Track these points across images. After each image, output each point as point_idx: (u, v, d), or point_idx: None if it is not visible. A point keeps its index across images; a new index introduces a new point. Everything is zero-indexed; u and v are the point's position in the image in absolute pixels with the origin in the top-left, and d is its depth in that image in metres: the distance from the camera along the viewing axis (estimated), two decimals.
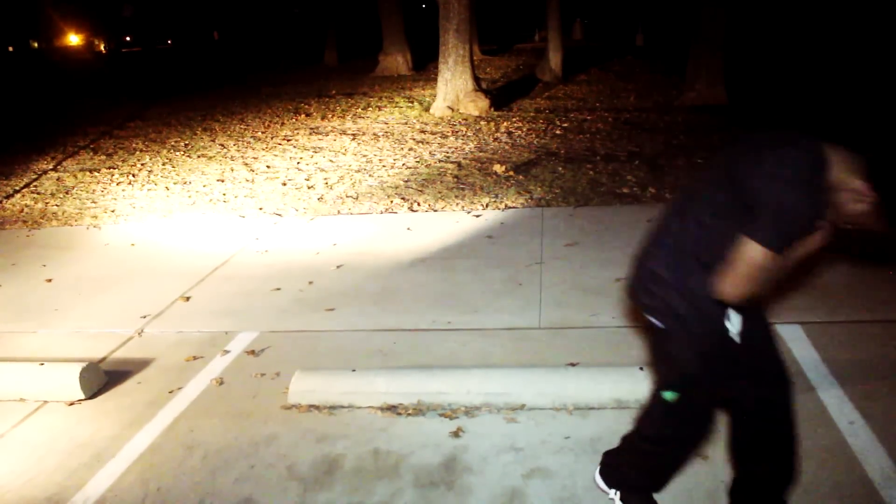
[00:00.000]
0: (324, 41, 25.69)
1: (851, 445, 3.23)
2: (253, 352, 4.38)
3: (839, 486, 2.99)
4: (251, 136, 11.62)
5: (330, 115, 13.27)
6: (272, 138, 11.33)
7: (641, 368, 3.76)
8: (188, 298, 5.28)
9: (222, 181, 8.74)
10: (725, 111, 11.84)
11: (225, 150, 10.62)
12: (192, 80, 23.28)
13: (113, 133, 13.18)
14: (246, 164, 9.54)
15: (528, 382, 3.71)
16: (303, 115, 13.46)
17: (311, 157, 9.75)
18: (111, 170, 9.93)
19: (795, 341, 4.18)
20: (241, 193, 8.11)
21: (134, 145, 11.68)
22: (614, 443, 3.14)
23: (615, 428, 3.41)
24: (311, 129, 11.96)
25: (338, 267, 5.70)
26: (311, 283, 5.41)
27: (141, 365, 4.35)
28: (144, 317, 5.01)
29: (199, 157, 10.30)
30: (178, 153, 10.70)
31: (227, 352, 4.41)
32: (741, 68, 15.39)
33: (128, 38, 74.21)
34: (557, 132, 10.45)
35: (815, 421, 3.42)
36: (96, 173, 9.80)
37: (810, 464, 3.12)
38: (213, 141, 11.46)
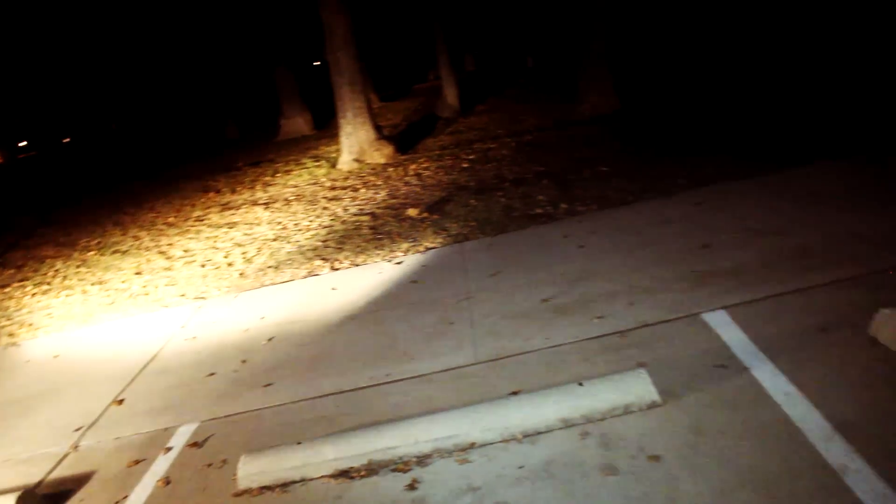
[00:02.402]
0: (224, 115, 25.56)
1: (790, 416, 3.37)
2: (196, 444, 4.30)
3: (785, 457, 3.10)
4: (163, 223, 11.44)
5: (239, 188, 13.18)
6: (185, 221, 11.19)
7: (580, 384, 3.83)
8: (121, 402, 5.16)
9: (140, 274, 8.58)
10: (620, 117, 12.21)
11: (139, 242, 10.43)
12: (96, 175, 22.84)
13: (20, 244, 12.81)
14: (162, 253, 9.39)
15: (474, 420, 3.74)
16: (212, 193, 13.32)
17: (227, 233, 9.67)
18: (23, 282, 9.64)
19: (723, 326, 4.34)
20: (161, 283, 7.97)
21: (44, 252, 11.36)
22: (567, 462, 3.19)
23: (565, 448, 3.48)
24: (223, 205, 11.86)
25: (269, 340, 5.66)
26: (244, 361, 5.35)
27: (81, 481, 4.22)
28: (78, 429, 4.86)
29: (112, 253, 10.09)
30: (90, 253, 10.45)
31: (169, 449, 4.32)
32: (631, 73, 15.91)
33: (23, 143, 72.42)
34: (465, 165, 10.61)
35: (754, 399, 3.55)
36: (7, 289, 9.51)
37: (755, 441, 3.24)
38: (125, 234, 11.24)
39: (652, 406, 3.65)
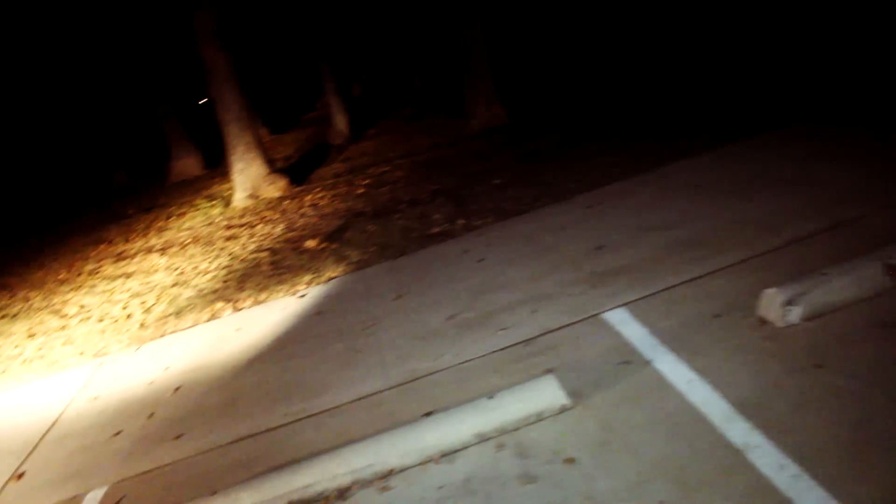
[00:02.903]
0: (111, 162, 24.75)
1: (693, 403, 3.52)
2: None
3: (692, 443, 3.24)
4: (54, 281, 10.99)
5: (133, 236, 12.80)
6: (78, 276, 10.78)
7: (491, 397, 3.89)
8: (21, 475, 4.92)
9: (33, 336, 8.22)
10: (509, 129, 12.47)
11: (29, 303, 9.99)
12: None
13: None
14: (55, 312, 9.03)
15: (390, 446, 3.75)
16: (105, 244, 12.89)
17: (123, 284, 9.38)
18: None
19: (624, 324, 4.49)
20: (57, 344, 7.66)
21: None
22: (486, 477, 3.24)
23: (483, 462, 3.53)
24: (117, 255, 11.49)
25: (176, 390, 5.52)
26: (151, 415, 5.20)
27: None
28: None
29: (1, 318, 9.65)
30: None
31: None
32: (518, 83, 16.26)
33: None
34: (360, 191, 10.63)
35: (658, 391, 3.68)
36: None
37: (662, 432, 3.35)
38: (14, 297, 10.74)
39: (563, 410, 3.74)
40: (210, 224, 11.70)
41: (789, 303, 3.97)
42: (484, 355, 4.61)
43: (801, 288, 4.03)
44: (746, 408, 3.36)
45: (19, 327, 8.82)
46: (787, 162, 6.61)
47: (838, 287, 4.02)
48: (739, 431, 3.22)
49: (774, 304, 4.03)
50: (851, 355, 3.55)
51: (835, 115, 7.86)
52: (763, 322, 4.06)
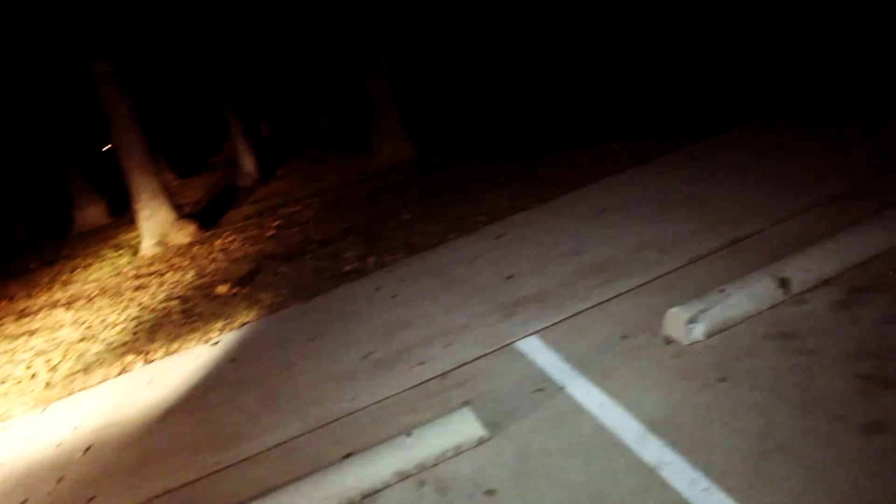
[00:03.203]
0: (8, 215, 23.81)
1: (606, 425, 3.62)
2: None
3: (607, 464, 3.34)
4: None
5: (35, 292, 12.34)
6: None
7: (409, 434, 3.91)
8: None
9: None
10: (417, 162, 12.60)
11: None
12: None
13: None
14: None
15: (310, 490, 3.73)
16: (4, 301, 12.38)
17: (26, 342, 9.02)
18: None
19: (537, 351, 4.59)
20: None
21: None
22: None
23: (405, 500, 3.55)
24: (19, 312, 11.05)
25: (86, 451, 5.34)
26: (61, 479, 5.01)
27: None
28: None
29: None
30: None
31: None
32: (422, 120, 16.44)
33: None
34: (270, 233, 10.54)
35: (572, 415, 3.78)
36: None
37: (579, 456, 3.44)
38: None
39: (481, 442, 3.79)
40: (118, 274, 11.39)
41: (692, 321, 4.14)
42: (401, 392, 4.64)
43: (702, 305, 4.21)
44: (657, 426, 3.47)
45: None
46: (690, 182, 6.88)
47: (736, 302, 4.22)
48: (652, 450, 3.33)
49: (678, 323, 4.19)
50: (752, 368, 3.72)
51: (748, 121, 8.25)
52: (669, 341, 4.22)
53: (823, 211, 5.40)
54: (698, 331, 4.12)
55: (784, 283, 4.27)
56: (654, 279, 5.07)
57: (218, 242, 11.13)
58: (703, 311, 4.17)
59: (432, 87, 23.45)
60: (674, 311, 4.25)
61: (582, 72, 17.48)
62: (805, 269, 4.36)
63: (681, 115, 10.09)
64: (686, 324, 4.14)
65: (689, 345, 4.11)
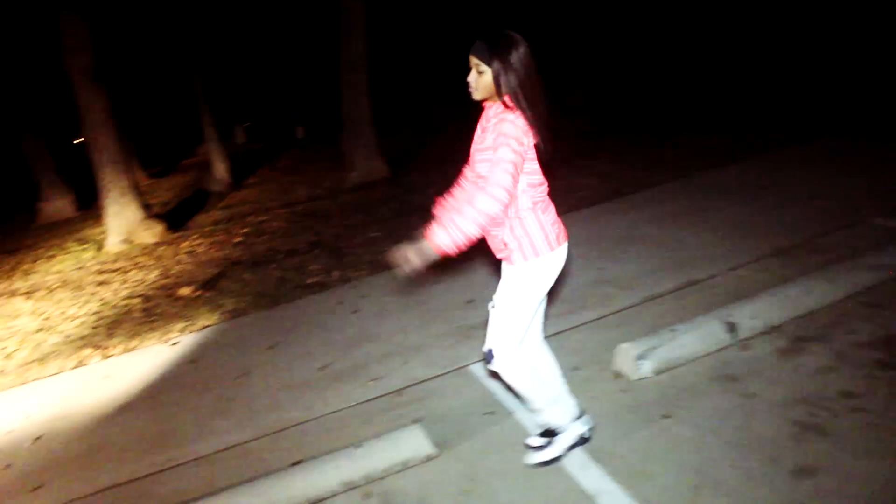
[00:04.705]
0: None
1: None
2: None
3: (549, 490, 3.47)
4: None
5: None
6: None
7: (359, 446, 4.01)
8: None
9: None
10: (389, 182, 12.73)
11: None
12: None
13: None
14: None
15: (257, 494, 3.80)
16: None
17: None
18: None
19: (486, 377, 4.68)
20: None
21: None
22: None
23: None
24: None
25: (36, 439, 5.36)
26: (8, 466, 5.02)
27: None
28: None
29: None
30: None
31: None
32: (396, 139, 16.58)
33: None
34: (238, 240, 10.60)
35: (519, 440, 3.90)
36: None
37: (522, 480, 3.59)
38: None
39: (428, 458, 3.89)
40: (81, 268, 11.34)
41: (641, 357, 4.30)
42: (354, 405, 4.74)
43: (652, 343, 4.38)
44: (600, 455, 3.61)
45: None
46: (649, 223, 7.10)
47: (685, 342, 4.39)
48: (593, 478, 3.45)
49: (628, 359, 4.35)
50: (695, 406, 3.87)
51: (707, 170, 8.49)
52: (618, 375, 4.38)
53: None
54: (647, 367, 4.28)
55: (731, 328, 4.46)
56: (609, 314, 5.24)
57: (184, 244, 11.15)
58: (652, 349, 4.33)
59: (409, 106, 23.65)
60: (624, 346, 4.42)
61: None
62: (753, 315, 4.56)
63: (648, 154, 10.34)
64: (635, 360, 4.31)
65: (637, 380, 4.27)
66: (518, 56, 2.94)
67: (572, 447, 3.66)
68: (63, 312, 8.79)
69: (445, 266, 7.01)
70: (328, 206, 11.60)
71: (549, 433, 3.69)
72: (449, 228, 2.96)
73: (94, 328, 7.81)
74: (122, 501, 4.24)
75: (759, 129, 10.88)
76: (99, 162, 12.19)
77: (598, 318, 5.23)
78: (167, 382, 5.85)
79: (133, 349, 6.86)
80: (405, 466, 3.87)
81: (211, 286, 8.29)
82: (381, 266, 7.58)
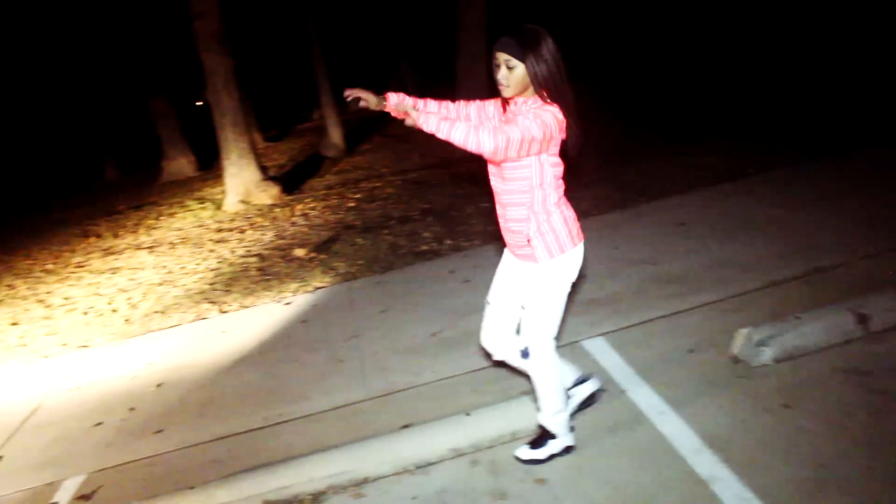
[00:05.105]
0: (101, 156, 24.72)
1: (664, 433, 3.63)
2: (84, 496, 4.23)
3: (659, 472, 3.36)
4: (41, 270, 11.03)
5: (121, 232, 12.86)
6: (64, 268, 10.82)
7: (468, 414, 4.01)
8: None
9: (17, 324, 8.27)
10: None
11: (13, 291, 10.02)
12: None
13: None
14: (40, 301, 9.07)
15: (367, 455, 3.85)
16: (93, 238, 12.94)
17: (110, 279, 9.44)
18: None
19: (601, 353, 4.60)
20: (41, 333, 7.71)
21: None
22: (459, 490, 3.35)
23: (457, 476, 3.63)
24: (104, 250, 11.55)
25: (158, 386, 5.60)
26: (132, 409, 5.28)
27: None
28: None
29: None
30: None
31: None
32: None
33: None
34: (351, 205, 10.75)
35: (631, 419, 3.81)
36: None
37: (632, 459, 3.48)
38: None
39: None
40: (200, 226, 11.78)
41: (762, 343, 4.12)
42: (463, 374, 4.73)
43: (775, 330, 4.18)
44: (715, 442, 3.48)
45: (2, 313, 8.86)
46: (775, 206, 6.77)
47: (810, 331, 4.17)
48: (706, 464, 3.34)
49: (748, 344, 4.18)
50: (818, 398, 3.68)
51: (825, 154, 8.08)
52: (736, 360, 4.21)
53: None
54: (767, 354, 4.10)
55: (863, 320, 4.22)
56: (728, 298, 5.04)
57: (299, 207, 11.40)
58: (774, 336, 4.14)
59: None
60: (745, 331, 4.24)
61: (679, 77, 17.22)
62: (888, 307, 4.30)
63: (777, 133, 9.88)
64: (756, 346, 4.13)
65: (756, 367, 4.09)
66: (548, 48, 2.94)
67: (557, 455, 3.62)
68: (183, 267, 9.15)
69: None
70: (440, 175, 11.60)
71: (544, 435, 3.62)
72: (440, 125, 2.96)
73: (211, 284, 8.09)
74: (237, 451, 4.38)
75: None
76: (221, 123, 12.57)
77: (716, 301, 5.02)
78: (280, 340, 6.00)
79: (248, 306, 7.06)
80: (514, 437, 3.84)
81: (324, 249, 8.44)
82: (494, 236, 7.54)
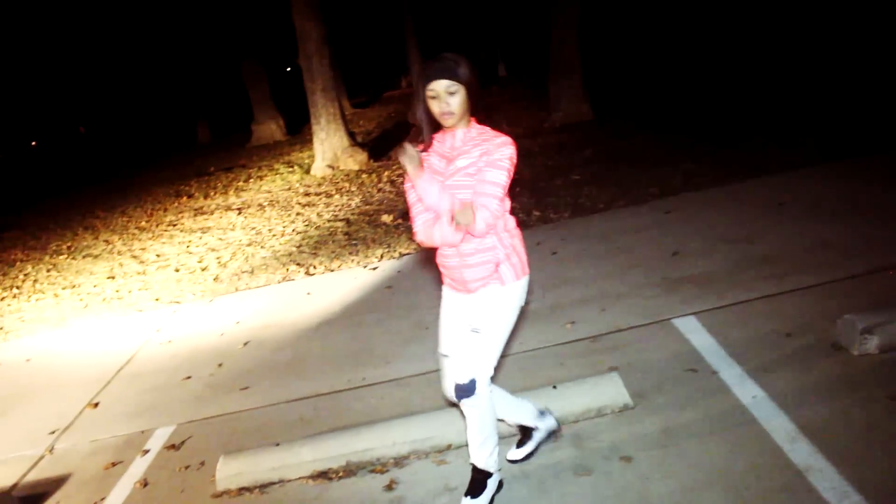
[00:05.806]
0: (194, 119, 25.38)
1: (757, 418, 3.47)
2: (173, 446, 4.33)
3: (752, 457, 3.21)
4: (135, 228, 11.40)
5: (212, 193, 13.17)
6: (157, 226, 11.16)
7: (554, 387, 3.93)
8: (97, 405, 5.17)
9: (113, 278, 8.56)
10: (593, 125, 12.38)
11: (111, 246, 10.39)
12: (65, 179, 22.61)
13: None
14: (135, 257, 9.37)
15: (450, 422, 3.81)
16: (185, 198, 13.30)
17: (200, 238, 9.67)
18: None
19: (693, 332, 4.44)
20: (135, 287, 7.97)
21: (13, 256, 11.24)
22: (542, 463, 3.28)
23: (540, 449, 3.56)
24: (196, 209, 11.85)
25: (245, 344, 5.70)
26: (220, 365, 5.38)
27: (57, 483, 4.22)
28: (53, 432, 4.86)
29: (84, 257, 10.04)
30: (61, 257, 10.38)
31: (146, 451, 4.34)
32: (603, 83, 16.09)
33: None
34: None
35: (722, 402, 3.66)
36: None
37: (723, 443, 3.34)
38: (97, 238, 11.18)
39: (624, 409, 3.74)
40: (288, 189, 11.95)
41: (867, 331, 3.89)
42: (550, 346, 4.64)
43: (882, 318, 3.94)
44: (811, 430, 3.31)
45: (100, 267, 9.19)
46: (882, 189, 6.43)
47: None
48: (802, 453, 3.17)
49: (852, 331, 3.95)
50: None
51: None
52: (838, 348, 4.00)
53: None
54: (872, 343, 3.88)
55: None
56: (830, 282, 4.80)
57: (386, 174, 11.44)
58: (880, 325, 3.90)
59: (618, 53, 22.89)
60: (849, 318, 4.00)
61: (777, 67, 16.57)
62: None
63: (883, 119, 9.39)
64: (860, 334, 3.91)
65: (859, 356, 3.88)
66: (473, 69, 2.86)
67: (543, 442, 3.55)
68: (271, 229, 9.29)
69: (649, 217, 6.75)
70: (529, 146, 11.44)
71: (484, 477, 3.28)
72: (441, 197, 2.86)
73: (298, 247, 8.19)
74: (322, 411, 4.40)
75: None
76: (311, 88, 12.69)
77: (817, 284, 4.78)
78: (365, 305, 6.02)
79: (334, 270, 7.12)
80: (599, 413, 3.75)
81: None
82: (583, 209, 7.40)
